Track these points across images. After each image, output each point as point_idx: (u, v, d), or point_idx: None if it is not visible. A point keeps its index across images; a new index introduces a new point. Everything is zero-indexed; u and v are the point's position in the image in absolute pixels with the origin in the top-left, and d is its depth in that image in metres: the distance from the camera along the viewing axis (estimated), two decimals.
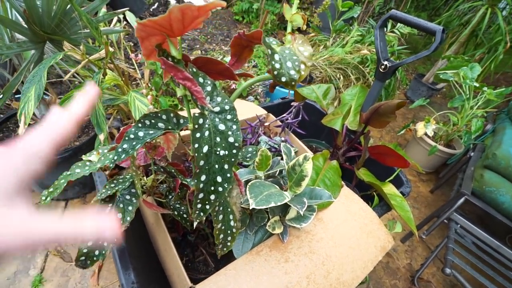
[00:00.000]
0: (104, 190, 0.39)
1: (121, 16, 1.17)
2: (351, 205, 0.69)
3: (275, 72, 0.32)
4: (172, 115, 0.39)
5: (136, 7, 2.13)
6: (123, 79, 1.05)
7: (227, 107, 0.34)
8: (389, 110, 0.62)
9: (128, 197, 0.44)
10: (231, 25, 2.53)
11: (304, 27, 0.37)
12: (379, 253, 0.63)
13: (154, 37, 0.32)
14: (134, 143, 0.36)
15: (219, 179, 0.34)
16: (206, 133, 0.33)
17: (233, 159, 0.34)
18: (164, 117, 0.38)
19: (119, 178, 0.42)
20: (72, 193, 1.14)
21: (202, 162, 0.32)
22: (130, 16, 1.20)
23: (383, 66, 0.79)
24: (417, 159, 1.76)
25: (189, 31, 0.32)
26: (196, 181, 0.33)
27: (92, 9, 0.97)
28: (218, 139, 0.33)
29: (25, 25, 0.75)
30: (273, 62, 0.32)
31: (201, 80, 0.35)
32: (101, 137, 0.81)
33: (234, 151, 0.33)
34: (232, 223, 0.43)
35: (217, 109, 0.34)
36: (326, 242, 0.59)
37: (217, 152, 0.33)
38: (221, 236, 0.42)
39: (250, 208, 0.43)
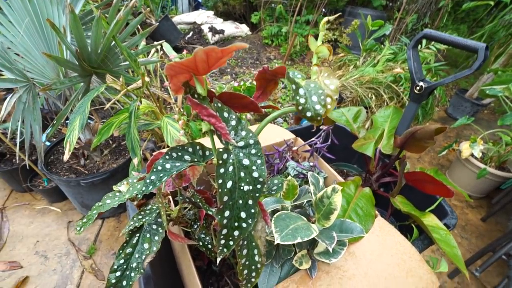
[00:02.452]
0: (132, 222, 0.41)
1: (158, 46, 1.27)
2: (386, 237, 0.63)
3: (300, 107, 0.31)
4: (198, 147, 0.39)
5: (173, 36, 2.31)
6: (158, 104, 1.11)
7: (251, 142, 0.34)
8: (427, 136, 0.58)
9: (154, 226, 0.44)
10: (260, 48, 2.62)
11: (331, 57, 0.36)
12: None
13: (182, 75, 0.33)
14: (161, 175, 0.37)
15: (243, 214, 0.33)
16: (230, 168, 0.32)
17: (257, 194, 0.33)
18: (190, 149, 0.39)
19: (146, 209, 0.43)
20: (108, 213, 1.21)
21: (226, 198, 0.32)
22: (167, 47, 1.30)
23: (418, 88, 0.75)
24: (464, 183, 1.59)
25: (215, 69, 0.33)
26: (219, 217, 0.32)
27: (133, 43, 1.07)
28: (242, 174, 0.33)
29: (76, 62, 0.85)
30: (297, 97, 0.31)
31: (225, 114, 0.35)
32: (135, 161, 0.86)
33: (259, 186, 0.32)
34: (256, 258, 0.41)
35: (241, 143, 0.34)
36: (358, 280, 0.54)
37: (241, 187, 0.32)
38: (245, 271, 0.40)
39: (275, 243, 0.41)
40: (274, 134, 0.93)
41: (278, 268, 0.53)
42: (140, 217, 0.42)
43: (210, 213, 0.48)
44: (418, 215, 0.69)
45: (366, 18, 1.56)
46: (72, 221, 1.20)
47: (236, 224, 0.33)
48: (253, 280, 0.42)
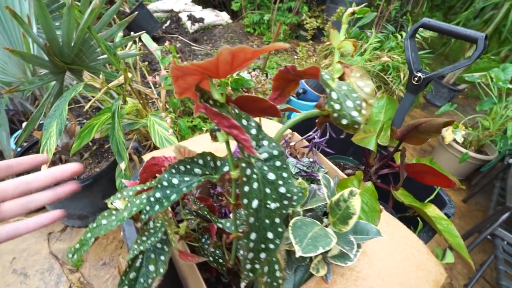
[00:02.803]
0: (136, 246, 0.36)
1: (136, 38, 1.17)
2: (394, 232, 0.63)
3: (335, 114, 0.27)
4: (209, 158, 0.35)
5: (149, 26, 2.16)
6: (141, 101, 1.03)
7: (275, 153, 0.30)
8: (433, 129, 0.57)
9: (159, 245, 0.40)
10: (242, 37, 2.53)
11: (354, 54, 0.33)
12: (432, 287, 0.56)
13: (191, 76, 0.28)
14: (168, 191, 0.32)
15: (270, 235, 0.29)
16: (255, 185, 0.29)
17: (284, 211, 0.30)
18: (200, 161, 0.34)
19: (150, 229, 0.38)
20: (93, 219, 1.13)
21: (252, 219, 0.28)
22: (146, 38, 1.20)
23: (416, 78, 0.74)
24: (446, 167, 1.66)
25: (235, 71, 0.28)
26: (245, 241, 0.28)
27: (110, 35, 0.97)
28: (268, 190, 0.29)
29: (46, 58, 0.75)
30: (331, 102, 0.27)
31: (244, 122, 0.31)
32: (122, 165, 0.79)
33: (286, 202, 0.28)
34: (278, 273, 0.38)
35: (264, 155, 0.30)
36: (373, 280, 0.53)
37: (268, 206, 0.29)
38: None
39: (297, 256, 0.38)
40: (269, 129, 0.89)
41: (291, 274, 0.51)
42: (144, 238, 0.37)
43: (220, 225, 0.44)
44: (420, 206, 0.69)
45: (351, 5, 1.54)
46: (52, 232, 1.11)
47: (262, 246, 0.29)
48: None
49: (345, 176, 0.75)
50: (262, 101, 0.32)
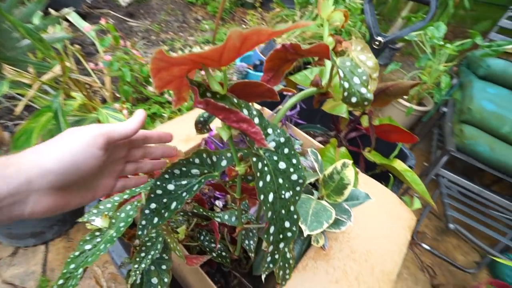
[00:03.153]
0: (136, 266, 0.32)
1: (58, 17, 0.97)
2: (372, 191, 0.67)
3: (345, 93, 0.26)
4: (204, 155, 0.31)
5: (70, 1, 1.82)
6: (85, 93, 0.89)
7: (282, 140, 0.29)
8: (401, 92, 0.60)
9: (157, 255, 0.36)
10: (184, 8, 2.31)
11: (344, 25, 0.31)
12: (408, 233, 0.63)
13: (179, 67, 0.24)
14: (165, 200, 0.29)
15: (287, 224, 0.28)
16: (268, 177, 0.27)
17: (297, 198, 0.29)
18: (197, 160, 0.31)
19: (145, 242, 0.35)
20: (52, 234, 1.00)
21: (270, 213, 0.27)
22: (74, 17, 1.00)
23: (377, 42, 0.76)
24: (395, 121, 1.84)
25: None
26: (266, 236, 0.27)
27: (26, 14, 0.79)
28: (280, 180, 0.27)
29: None
30: (341, 81, 0.26)
31: (245, 112, 0.28)
32: None
33: (298, 188, 0.28)
34: (288, 255, 0.38)
35: (272, 145, 0.28)
36: (362, 237, 0.57)
37: (282, 196, 0.27)
38: (281, 273, 0.37)
39: (305, 235, 0.38)
40: None
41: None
42: (143, 254, 0.33)
43: (219, 220, 0.42)
44: (389, 163, 0.75)
45: None
46: (1, 258, 0.96)
47: (281, 236, 0.28)
48: (287, 277, 0.39)
49: (321, 146, 0.77)
50: (260, 85, 0.29)
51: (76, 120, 0.84)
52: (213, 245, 0.44)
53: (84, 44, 1.76)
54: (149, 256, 0.33)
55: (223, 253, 0.44)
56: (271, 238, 0.28)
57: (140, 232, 0.29)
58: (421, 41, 1.67)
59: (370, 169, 0.90)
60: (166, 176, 0.30)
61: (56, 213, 0.23)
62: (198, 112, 0.87)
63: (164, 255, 0.37)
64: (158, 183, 0.29)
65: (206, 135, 0.72)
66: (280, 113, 0.35)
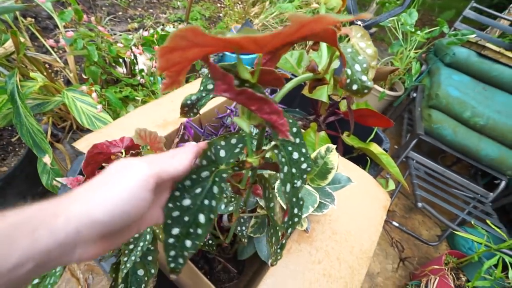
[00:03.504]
0: (126, 259, 0.30)
1: None
2: (351, 174, 0.69)
3: (348, 80, 0.25)
4: (209, 153, 0.28)
5: None
6: (45, 74, 0.81)
7: (294, 130, 0.28)
8: (381, 77, 0.61)
9: (141, 244, 0.35)
10: None
11: (341, 10, 0.30)
12: (383, 212, 0.67)
13: (199, 48, 0.20)
14: (186, 218, 0.25)
15: (295, 210, 0.29)
16: (285, 169, 0.26)
17: (303, 185, 0.29)
18: (204, 162, 0.28)
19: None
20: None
21: (287, 204, 0.27)
22: None
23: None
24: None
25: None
26: (284, 225, 0.28)
27: None
28: (294, 170, 0.27)
29: None
30: (345, 68, 0.25)
31: None
32: (47, 159, 0.64)
33: (305, 176, 0.28)
34: (279, 233, 0.39)
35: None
36: (343, 219, 0.60)
37: (295, 185, 0.27)
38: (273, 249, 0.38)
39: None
40: None
41: None
42: (131, 246, 0.31)
43: None
44: (366, 146, 0.78)
45: None
46: None
47: (290, 222, 0.29)
48: (279, 257, 0.40)
49: (302, 130, 0.78)
50: (271, 72, 0.28)
51: (37, 103, 0.76)
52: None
53: (39, 17, 1.57)
54: (139, 248, 0.31)
55: (210, 241, 0.43)
56: (285, 225, 0.28)
57: (173, 265, 0.25)
58: (394, 27, 1.72)
59: (348, 152, 0.93)
60: (177, 193, 0.26)
61: (104, 254, 0.22)
62: (173, 96, 0.83)
63: (150, 246, 0.35)
64: (171, 205, 0.25)
65: (184, 120, 0.69)
66: (278, 97, 0.33)
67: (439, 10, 3.09)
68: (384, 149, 0.82)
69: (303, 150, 0.27)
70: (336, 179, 0.52)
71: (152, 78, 1.09)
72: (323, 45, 0.33)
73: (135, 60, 1.06)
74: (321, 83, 0.32)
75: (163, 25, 1.72)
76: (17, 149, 0.88)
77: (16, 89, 0.60)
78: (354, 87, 0.25)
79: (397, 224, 1.20)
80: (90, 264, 0.90)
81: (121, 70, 1.07)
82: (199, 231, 0.24)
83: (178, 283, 0.56)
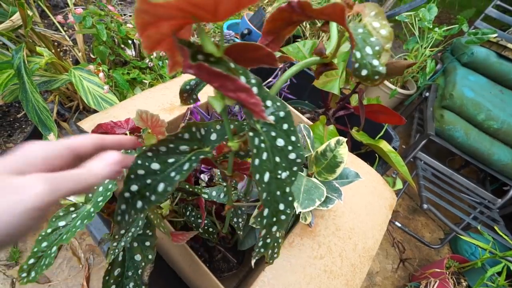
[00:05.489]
0: (115, 244, 0.29)
1: None
2: (359, 170, 0.68)
3: (356, 65, 0.23)
4: (194, 129, 0.28)
5: None
6: (53, 51, 0.80)
7: (282, 114, 0.26)
8: (396, 71, 0.59)
9: (140, 231, 0.34)
10: None
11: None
12: (389, 212, 0.65)
13: (168, 22, 0.19)
14: (148, 181, 0.25)
15: (281, 206, 0.27)
16: (264, 155, 0.24)
17: (293, 178, 0.27)
18: (186, 136, 0.27)
19: None
20: None
21: (265, 194, 0.25)
22: None
23: None
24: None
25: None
26: (259, 219, 0.25)
27: None
28: (277, 159, 0.25)
29: None
30: (353, 50, 0.23)
31: (243, 79, 0.24)
32: (51, 137, 0.63)
33: (295, 168, 0.25)
34: (277, 234, 0.37)
35: (271, 118, 0.25)
36: (347, 215, 0.58)
37: (278, 176, 0.25)
38: (270, 251, 0.37)
39: (297, 212, 0.37)
40: None
41: None
42: (122, 231, 0.30)
43: (206, 196, 0.40)
44: (375, 143, 0.76)
45: None
46: None
47: (274, 219, 0.27)
48: (275, 255, 0.39)
49: (310, 123, 0.76)
50: (259, 48, 0.26)
51: (43, 81, 0.75)
52: (199, 220, 0.42)
53: None
54: (129, 234, 0.30)
55: (210, 229, 0.42)
56: (264, 221, 0.26)
57: (119, 218, 0.25)
58: (411, 22, 1.66)
59: (355, 148, 0.91)
60: (149, 154, 0.25)
61: None
62: (181, 80, 0.81)
63: (147, 231, 0.34)
64: (139, 162, 0.25)
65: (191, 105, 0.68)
66: (278, 84, 0.32)
67: (459, 8, 2.97)
68: (393, 147, 0.80)
69: (292, 138, 0.25)
70: (344, 174, 0.51)
71: (160, 62, 1.07)
72: (333, 26, 0.31)
73: None
74: (329, 68, 0.30)
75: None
76: (23, 126, 0.88)
77: (23, 64, 0.59)
78: (364, 72, 0.23)
79: (399, 225, 1.19)
80: (92, 245, 0.91)
81: (130, 52, 1.05)
82: (153, 197, 0.24)
83: (177, 270, 0.56)
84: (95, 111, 0.85)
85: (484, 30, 1.38)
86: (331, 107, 0.84)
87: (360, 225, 0.58)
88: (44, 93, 1.01)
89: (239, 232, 0.42)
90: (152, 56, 1.06)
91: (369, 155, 0.84)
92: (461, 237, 1.00)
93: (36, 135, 0.82)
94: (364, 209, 0.61)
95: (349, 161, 0.69)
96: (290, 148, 0.26)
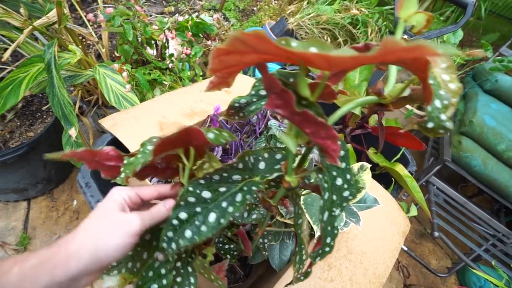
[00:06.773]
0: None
1: None
2: (374, 194, 0.67)
3: (426, 117, 0.23)
4: (246, 158, 0.28)
5: None
6: (81, 46, 0.82)
7: (342, 153, 0.25)
8: (422, 98, 0.57)
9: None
10: None
11: (421, 31, 0.27)
12: (401, 238, 0.64)
13: (260, 56, 0.18)
14: (198, 209, 0.25)
15: (328, 240, 0.27)
16: (326, 195, 0.24)
17: (341, 213, 0.26)
18: (240, 165, 0.27)
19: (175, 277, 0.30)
20: (35, 192, 0.95)
21: (321, 232, 0.25)
22: None
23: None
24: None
25: None
26: (313, 254, 0.26)
27: None
28: (334, 197, 0.25)
29: None
30: (427, 106, 0.22)
31: None
32: (72, 132, 0.64)
33: (345, 204, 0.25)
34: (304, 257, 0.37)
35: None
36: (360, 239, 0.57)
37: (333, 213, 0.25)
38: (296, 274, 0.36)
39: (316, 236, 0.37)
40: (248, 87, 0.81)
41: (289, 242, 0.51)
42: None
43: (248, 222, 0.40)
44: (391, 166, 0.75)
45: None
46: None
47: (320, 251, 0.27)
48: (302, 278, 0.38)
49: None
50: (326, 87, 0.25)
51: (69, 75, 0.77)
52: (227, 246, 0.42)
53: None
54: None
55: (234, 253, 0.42)
56: (314, 254, 0.26)
57: (165, 245, 0.24)
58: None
59: (370, 169, 0.89)
60: (202, 181, 0.25)
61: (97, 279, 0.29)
62: (203, 85, 0.82)
63: (189, 267, 0.32)
64: (191, 188, 0.25)
65: (211, 112, 0.68)
66: (335, 117, 0.31)
67: (483, 32, 2.92)
68: (409, 172, 0.78)
69: (348, 176, 0.24)
70: (363, 198, 0.50)
71: (181, 64, 1.08)
72: (393, 67, 0.30)
73: (166, 44, 1.05)
74: (384, 109, 0.29)
75: (198, 12, 1.72)
76: (44, 117, 0.90)
77: (53, 59, 0.61)
78: (430, 125, 0.22)
79: (406, 248, 1.15)
80: None
81: (151, 52, 1.07)
82: (203, 228, 0.24)
83: None
84: (113, 108, 0.86)
85: (511, 58, 1.35)
86: (350, 125, 0.83)
87: (372, 249, 0.57)
88: (68, 87, 1.03)
89: (264, 252, 0.42)
90: (172, 58, 1.07)
91: (382, 176, 0.83)
92: (472, 269, 0.96)
93: (56, 127, 0.84)
94: (377, 234, 0.60)
95: None
96: (345, 186, 0.25)
